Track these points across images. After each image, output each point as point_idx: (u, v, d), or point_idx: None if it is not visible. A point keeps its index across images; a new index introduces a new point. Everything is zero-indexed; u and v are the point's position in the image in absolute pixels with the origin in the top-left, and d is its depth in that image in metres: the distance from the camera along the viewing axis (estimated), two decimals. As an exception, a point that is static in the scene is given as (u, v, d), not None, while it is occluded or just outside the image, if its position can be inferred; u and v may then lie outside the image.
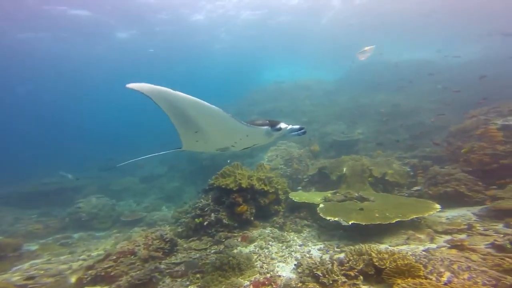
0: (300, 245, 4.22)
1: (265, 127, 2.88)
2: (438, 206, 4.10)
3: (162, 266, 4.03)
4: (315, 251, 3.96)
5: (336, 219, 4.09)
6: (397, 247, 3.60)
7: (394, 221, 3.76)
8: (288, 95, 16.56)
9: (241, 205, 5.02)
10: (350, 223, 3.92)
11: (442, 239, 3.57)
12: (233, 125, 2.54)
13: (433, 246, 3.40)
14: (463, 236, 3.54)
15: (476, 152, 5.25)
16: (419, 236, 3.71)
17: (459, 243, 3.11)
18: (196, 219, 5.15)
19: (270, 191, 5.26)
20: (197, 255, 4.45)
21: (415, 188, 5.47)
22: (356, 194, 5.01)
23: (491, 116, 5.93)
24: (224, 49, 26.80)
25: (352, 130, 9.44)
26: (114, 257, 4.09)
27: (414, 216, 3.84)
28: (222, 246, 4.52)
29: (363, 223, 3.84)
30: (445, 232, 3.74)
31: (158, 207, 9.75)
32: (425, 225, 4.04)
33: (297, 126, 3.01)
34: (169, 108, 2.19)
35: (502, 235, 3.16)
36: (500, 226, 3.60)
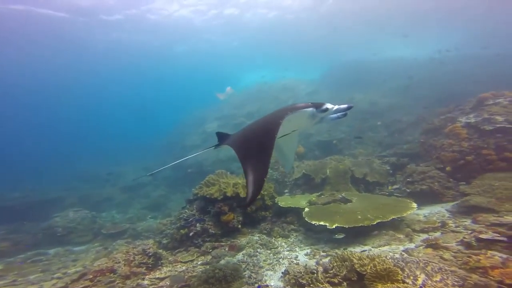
0: (288, 251, 4.27)
1: (310, 109, 2.67)
2: (415, 205, 4.32)
3: (146, 282, 3.90)
4: (302, 256, 4.02)
5: (321, 223, 4.18)
6: (380, 248, 3.75)
7: (375, 223, 3.92)
8: (272, 97, 16.62)
9: (227, 214, 4.97)
10: (334, 226, 4.02)
11: (419, 238, 3.78)
12: (276, 110, 2.41)
13: (412, 246, 3.59)
14: (437, 234, 3.77)
15: (445, 149, 5.60)
16: (399, 236, 3.89)
17: (433, 242, 3.30)
18: (182, 230, 5.04)
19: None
20: (183, 267, 4.35)
21: (395, 186, 5.73)
22: (340, 196, 5.16)
23: (456, 114, 6.33)
24: (205, 50, 26.32)
25: (335, 129, 9.69)
26: (91, 276, 3.87)
27: (394, 217, 4.02)
28: (209, 257, 4.45)
29: (346, 226, 3.97)
30: (422, 231, 3.96)
31: (143, 217, 9.41)
32: (404, 224, 4.24)
33: (344, 106, 2.71)
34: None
35: (470, 232, 3.39)
36: (468, 222, 3.86)
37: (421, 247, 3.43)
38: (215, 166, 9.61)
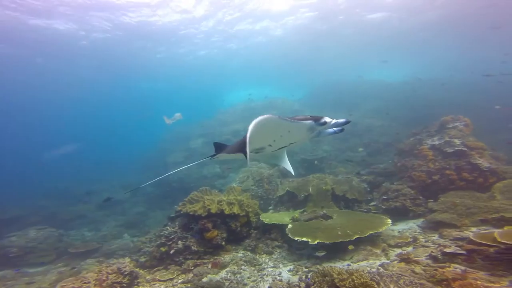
0: (272, 267, 4.29)
1: (309, 121, 2.65)
2: (389, 221, 4.63)
3: (121, 304, 3.68)
4: (286, 272, 4.07)
5: (303, 239, 4.30)
6: (358, 263, 3.93)
7: (354, 238, 4.13)
8: (258, 115, 16.98)
9: (211, 231, 4.94)
10: (316, 242, 4.17)
11: (394, 253, 4.02)
12: (277, 121, 2.39)
13: (387, 260, 3.81)
14: (410, 248, 4.05)
15: (416, 169, 6.14)
16: (375, 251, 4.12)
17: (406, 257, 3.55)
18: (162, 248, 4.88)
19: (241, 214, 5.30)
20: (162, 286, 4.19)
21: (372, 203, 6.09)
22: (321, 212, 5.36)
23: (423, 136, 7.01)
24: (189, 66, 26.86)
25: (317, 148, 10.17)
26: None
27: (371, 232, 4.27)
28: (190, 275, 4.33)
29: (327, 242, 4.13)
30: (396, 246, 4.22)
31: (118, 235, 8.85)
32: (381, 240, 4.50)
33: (342, 120, 2.72)
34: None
35: (437, 246, 3.71)
36: (436, 236, 4.21)
37: (395, 262, 3.66)
38: (199, 183, 9.51)
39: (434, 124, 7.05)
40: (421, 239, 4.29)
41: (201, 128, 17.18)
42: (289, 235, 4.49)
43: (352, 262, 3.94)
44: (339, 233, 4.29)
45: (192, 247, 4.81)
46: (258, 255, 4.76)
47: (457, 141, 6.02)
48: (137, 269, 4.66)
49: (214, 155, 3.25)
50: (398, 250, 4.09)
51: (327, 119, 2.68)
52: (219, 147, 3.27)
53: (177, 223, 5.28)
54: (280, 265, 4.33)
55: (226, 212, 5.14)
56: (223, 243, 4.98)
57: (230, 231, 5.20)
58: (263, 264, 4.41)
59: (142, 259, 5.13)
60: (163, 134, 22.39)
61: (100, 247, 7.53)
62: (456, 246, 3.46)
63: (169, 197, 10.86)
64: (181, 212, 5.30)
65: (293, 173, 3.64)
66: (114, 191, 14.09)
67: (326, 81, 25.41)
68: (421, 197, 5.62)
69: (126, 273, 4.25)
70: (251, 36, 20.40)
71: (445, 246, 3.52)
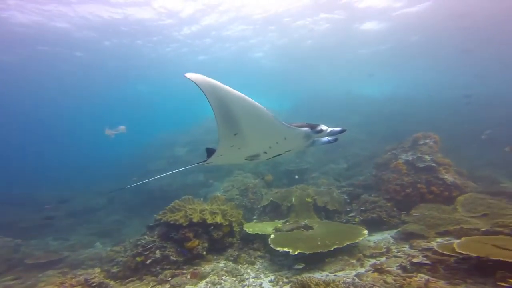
0: (253, 278, 4.32)
1: (305, 129, 2.60)
2: (366, 231, 4.88)
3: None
4: (267, 283, 4.12)
5: (285, 249, 4.41)
6: (336, 273, 4.08)
7: (332, 249, 4.30)
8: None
9: (191, 240, 4.90)
10: (296, 252, 4.29)
11: (369, 263, 4.23)
12: (274, 125, 2.34)
13: (362, 270, 4.00)
14: (383, 258, 4.28)
15: (391, 182, 6.55)
16: (352, 261, 4.31)
17: (379, 267, 3.77)
18: (138, 257, 4.73)
19: (224, 224, 5.32)
20: (137, 300, 4.05)
21: (351, 214, 6.36)
22: (303, 223, 5.52)
23: (398, 151, 7.52)
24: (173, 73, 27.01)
25: (301, 159, 10.48)
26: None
27: (348, 243, 4.48)
28: (167, 286, 4.23)
29: (307, 252, 4.27)
30: (371, 256, 4.45)
31: (89, 244, 8.35)
32: (357, 250, 4.70)
33: (338, 128, 2.72)
34: (215, 102, 2.05)
35: (407, 256, 3.98)
36: (407, 247, 4.50)
37: (369, 272, 3.86)
38: (182, 192, 9.34)
39: (408, 140, 7.60)
40: (393, 250, 4.55)
41: (187, 135, 17.02)
42: (271, 246, 4.57)
43: (330, 273, 4.09)
44: (319, 243, 4.45)
45: (171, 257, 4.73)
46: (240, 265, 4.77)
47: (428, 157, 6.55)
48: (108, 280, 4.45)
49: (205, 160, 3.15)
50: (373, 260, 4.31)
51: (323, 127, 2.68)
52: (212, 153, 3.14)
53: (156, 232, 5.18)
54: (262, 276, 4.37)
55: (209, 221, 5.15)
56: (204, 252, 4.95)
57: (212, 241, 5.19)
58: (245, 275, 4.43)
59: (115, 270, 4.92)
60: (146, 140, 21.86)
61: (66, 257, 6.97)
62: (423, 257, 3.74)
63: (149, 205, 10.53)
64: (161, 221, 5.21)
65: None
66: (89, 198, 13.40)
67: (313, 93, 26.47)
68: (395, 209, 5.98)
69: (95, 284, 4.06)
70: (239, 43, 20.77)
71: (413, 257, 3.79)
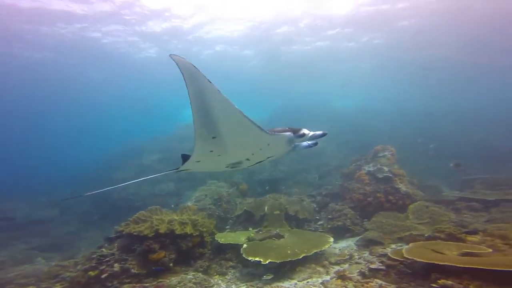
0: (223, 289, 4.31)
1: (288, 133, 2.55)
2: (332, 239, 5.21)
3: None
4: (237, 295, 4.15)
5: (256, 259, 4.50)
6: (304, 281, 4.29)
7: (301, 257, 4.52)
8: None
9: (157, 252, 4.72)
10: (267, 262, 4.40)
11: (333, 270, 4.53)
12: (257, 133, 2.25)
13: (327, 278, 4.27)
14: (346, 265, 4.62)
15: (355, 191, 7.13)
16: (319, 269, 4.56)
17: (342, 274, 4.07)
18: (91, 272, 4.38)
19: (195, 234, 5.23)
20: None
21: (319, 223, 6.74)
22: (275, 232, 5.69)
23: (362, 163, 8.24)
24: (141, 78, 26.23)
25: (275, 168, 10.80)
26: None
27: (316, 251, 4.74)
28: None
29: (278, 261, 4.41)
30: (336, 263, 4.77)
31: (27, 259, 7.38)
32: (324, 258, 4.99)
33: (319, 132, 2.72)
34: (195, 96, 1.92)
35: (366, 262, 4.37)
36: (367, 254, 4.93)
37: (333, 279, 4.14)
38: (149, 202, 8.88)
39: (370, 153, 8.37)
40: (355, 256, 4.94)
41: (158, 143, 16.36)
42: (243, 255, 4.63)
43: (298, 281, 4.28)
44: (289, 252, 4.64)
45: (132, 270, 4.48)
46: (210, 276, 4.72)
47: (386, 168, 7.29)
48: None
49: (178, 168, 2.99)
50: (337, 267, 4.62)
51: (305, 131, 2.67)
52: (188, 158, 2.96)
53: (116, 244, 4.89)
54: (233, 286, 4.39)
55: (177, 232, 5.02)
56: (171, 264, 4.80)
57: (181, 252, 5.06)
58: (215, 286, 4.40)
59: (58, 287, 4.48)
60: (112, 148, 20.52)
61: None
62: (379, 262, 4.15)
63: (110, 217, 9.78)
64: (123, 232, 4.94)
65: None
66: (36, 208, 11.96)
67: (288, 103, 27.51)
68: (358, 216, 6.51)
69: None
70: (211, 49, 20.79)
71: (371, 263, 4.18)
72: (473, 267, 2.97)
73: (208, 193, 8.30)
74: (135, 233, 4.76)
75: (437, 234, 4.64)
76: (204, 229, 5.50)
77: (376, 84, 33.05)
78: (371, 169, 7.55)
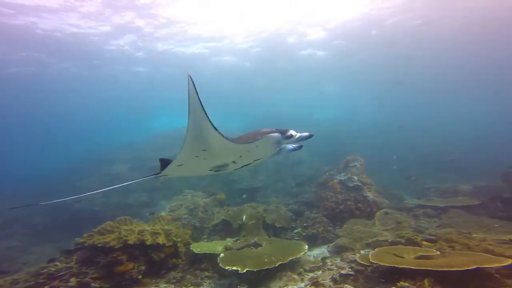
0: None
1: (276, 134, 2.50)
2: (306, 246, 5.40)
3: None
4: (213, 306, 4.06)
5: (234, 268, 4.48)
6: (279, 289, 4.37)
7: (277, 265, 4.61)
8: None
9: (124, 264, 4.46)
10: (245, 270, 4.41)
11: (308, 277, 4.68)
12: (233, 147, 2.24)
13: (302, 285, 4.40)
14: (320, 272, 4.81)
15: (328, 200, 7.52)
16: (294, 276, 4.68)
17: (315, 280, 4.24)
18: None
19: (168, 245, 5.05)
20: None
21: (295, 231, 6.93)
22: (253, 241, 5.72)
23: (335, 172, 8.74)
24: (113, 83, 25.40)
25: (254, 177, 10.92)
26: None
27: (291, 258, 4.87)
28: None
29: (255, 270, 4.44)
30: (310, 270, 4.93)
31: None
32: (299, 265, 5.14)
33: (306, 134, 2.68)
34: (194, 123, 2.01)
35: (337, 268, 4.61)
36: (339, 260, 5.19)
37: (308, 286, 4.29)
38: (119, 213, 8.29)
39: (341, 162, 8.93)
40: (328, 263, 5.16)
41: (129, 151, 15.59)
42: (220, 264, 4.58)
43: (274, 289, 4.35)
44: (266, 260, 4.70)
45: (93, 284, 4.16)
46: (184, 287, 4.56)
47: (355, 178, 7.84)
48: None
49: (159, 172, 2.83)
50: (311, 274, 4.79)
51: (292, 132, 2.64)
52: (167, 163, 2.78)
53: (75, 257, 4.52)
54: (208, 298, 4.28)
55: (149, 242, 4.81)
56: (140, 276, 4.55)
57: (152, 263, 4.84)
58: (189, 299, 4.26)
59: None
60: (78, 155, 19.06)
61: None
62: (349, 268, 4.42)
63: (70, 229, 8.90)
64: (85, 244, 4.59)
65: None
66: None
67: (265, 114, 28.22)
68: (331, 224, 6.85)
69: None
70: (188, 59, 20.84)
71: (342, 268, 4.43)
72: (424, 269, 3.35)
73: (183, 202, 8.07)
74: (99, 245, 4.47)
75: (398, 240, 5.12)
76: (179, 239, 5.35)
77: (352, 96, 35.52)
78: (343, 178, 8.05)
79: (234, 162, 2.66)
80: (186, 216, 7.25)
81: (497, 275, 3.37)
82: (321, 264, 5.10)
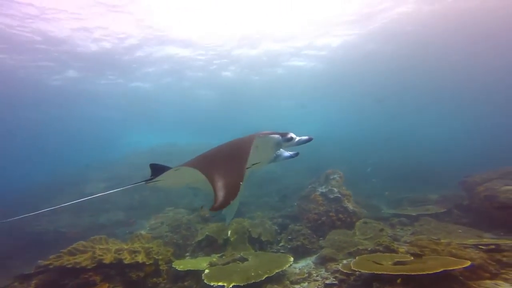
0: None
1: (277, 136, 2.40)
2: (291, 259, 5.44)
3: None
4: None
5: (219, 283, 4.37)
6: (266, 303, 4.31)
7: (264, 278, 4.58)
8: (180, 160, 16.69)
9: (97, 285, 4.17)
10: (231, 286, 4.32)
11: (293, 288, 4.71)
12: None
13: (288, 296, 4.41)
14: (305, 284, 4.86)
15: (311, 212, 7.73)
16: (280, 289, 4.68)
17: (301, 290, 4.28)
18: None
19: (148, 263, 4.81)
20: None
21: (281, 244, 6.95)
22: (239, 255, 5.64)
23: (316, 185, 9.06)
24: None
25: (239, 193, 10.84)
26: None
27: (277, 271, 4.88)
28: None
29: (242, 284, 4.38)
30: (296, 282, 4.96)
31: None
32: (285, 277, 5.14)
33: (305, 137, 2.61)
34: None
35: (322, 279, 4.71)
36: (323, 271, 5.30)
37: (294, 297, 4.31)
38: (90, 233, 7.69)
39: (322, 175, 9.34)
40: (313, 274, 5.23)
41: (105, 171, 14.85)
42: (205, 281, 4.45)
43: (261, 303, 4.29)
44: (253, 274, 4.66)
45: None
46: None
47: (336, 190, 8.21)
48: None
49: (151, 178, 2.66)
50: (297, 286, 4.82)
51: (292, 135, 2.55)
52: (159, 170, 2.61)
53: (34, 281, 4.13)
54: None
55: (127, 261, 4.57)
56: None
57: (130, 283, 4.56)
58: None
59: None
60: (44, 178, 17.66)
61: None
62: (333, 278, 4.55)
63: (30, 252, 7.97)
64: (50, 267, 4.23)
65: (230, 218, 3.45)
66: None
67: (247, 129, 28.67)
68: (315, 235, 7.00)
69: None
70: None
71: (326, 279, 4.54)
72: (400, 274, 3.61)
73: (165, 220, 7.77)
74: (69, 266, 4.15)
75: (377, 247, 5.41)
76: (160, 257, 5.14)
77: (332, 111, 37.39)
78: (324, 190, 8.38)
79: None
80: (168, 234, 6.96)
81: (461, 278, 3.71)
82: (306, 275, 5.15)
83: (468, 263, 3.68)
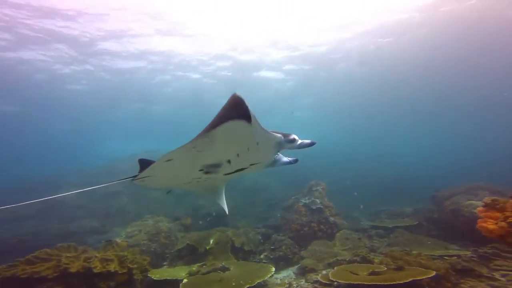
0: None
1: (279, 135, 2.25)
2: (273, 269, 5.42)
3: None
4: None
5: (198, 295, 4.25)
6: (246, 314, 4.23)
7: (245, 288, 4.52)
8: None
9: None
10: (210, 297, 4.21)
11: (274, 299, 4.68)
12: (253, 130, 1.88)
13: (269, 306, 4.37)
14: (286, 294, 4.86)
15: (294, 222, 7.81)
16: (261, 299, 4.63)
17: (282, 300, 4.27)
18: None
19: (120, 272, 4.56)
20: None
21: (263, 254, 6.90)
22: (220, 265, 5.52)
23: (299, 196, 9.19)
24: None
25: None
26: None
27: (259, 281, 4.84)
28: None
29: (222, 295, 4.28)
30: (277, 292, 4.95)
31: None
32: (266, 288, 5.11)
33: (307, 141, 2.51)
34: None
35: (302, 288, 4.74)
36: (303, 281, 5.33)
37: (275, 307, 4.28)
38: (59, 242, 7.15)
39: (306, 187, 9.55)
40: (294, 285, 5.24)
41: (82, 176, 14.10)
42: (183, 292, 4.30)
43: (241, 314, 4.20)
44: (233, 284, 4.58)
45: None
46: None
47: (318, 201, 8.41)
48: None
49: (136, 175, 2.44)
50: (278, 296, 4.80)
51: (295, 137, 2.45)
52: (148, 164, 2.34)
53: None
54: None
55: (97, 270, 4.27)
56: None
57: None
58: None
59: None
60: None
61: None
62: (313, 288, 4.60)
63: None
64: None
65: (226, 211, 3.45)
66: None
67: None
68: (297, 246, 7.05)
69: None
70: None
71: (307, 289, 4.57)
72: (374, 284, 3.77)
73: (143, 228, 7.46)
74: (23, 276, 3.79)
75: (355, 258, 5.58)
76: (135, 266, 4.89)
77: (320, 124, 38.41)
78: (307, 201, 8.55)
79: (229, 161, 2.25)
80: (145, 242, 6.66)
81: (427, 287, 3.93)
82: (287, 286, 5.15)
83: (434, 273, 3.93)
